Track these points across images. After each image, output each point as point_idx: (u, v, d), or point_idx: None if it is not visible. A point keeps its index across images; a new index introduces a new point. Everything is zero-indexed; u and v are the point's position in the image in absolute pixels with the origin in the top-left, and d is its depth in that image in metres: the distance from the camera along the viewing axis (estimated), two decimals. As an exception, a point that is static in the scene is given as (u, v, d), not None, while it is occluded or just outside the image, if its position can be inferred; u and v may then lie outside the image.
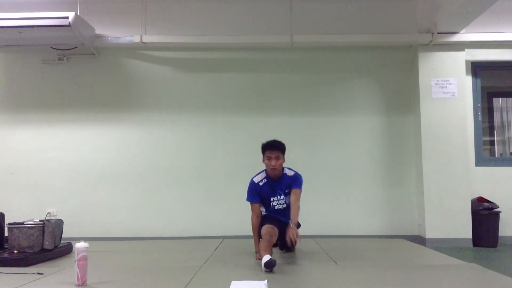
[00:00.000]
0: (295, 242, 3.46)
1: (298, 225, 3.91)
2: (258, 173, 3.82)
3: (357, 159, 5.18)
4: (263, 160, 3.72)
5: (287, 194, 3.76)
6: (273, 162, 3.62)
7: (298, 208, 3.69)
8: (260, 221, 3.71)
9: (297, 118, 5.21)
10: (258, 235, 3.67)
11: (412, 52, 5.19)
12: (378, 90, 5.25)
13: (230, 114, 5.23)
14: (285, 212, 3.79)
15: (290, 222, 3.51)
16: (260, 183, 3.74)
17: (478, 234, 4.82)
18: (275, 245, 3.69)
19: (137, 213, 5.12)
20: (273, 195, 3.75)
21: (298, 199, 3.68)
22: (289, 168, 3.83)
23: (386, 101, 5.24)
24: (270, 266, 3.06)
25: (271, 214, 3.79)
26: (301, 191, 3.72)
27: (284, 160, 3.72)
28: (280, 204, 3.77)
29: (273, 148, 3.65)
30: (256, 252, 3.65)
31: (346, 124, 5.21)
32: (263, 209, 3.82)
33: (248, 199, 3.76)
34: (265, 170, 3.79)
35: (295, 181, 3.75)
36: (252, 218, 3.72)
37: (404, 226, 5.10)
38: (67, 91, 5.27)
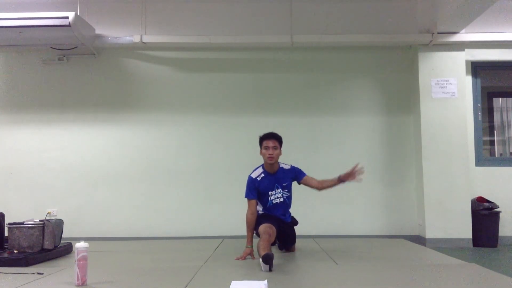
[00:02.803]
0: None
1: (296, 223, 3.94)
2: (255, 169, 3.84)
3: (357, 159, 5.10)
4: (260, 152, 3.77)
5: (285, 188, 3.82)
6: (270, 151, 3.68)
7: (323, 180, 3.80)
8: (258, 220, 3.72)
9: (297, 118, 5.21)
10: (251, 231, 3.71)
11: (412, 52, 5.19)
12: (378, 90, 5.25)
13: (230, 114, 5.23)
14: (283, 206, 3.84)
15: (339, 177, 3.69)
16: (258, 178, 3.77)
17: (478, 234, 4.82)
18: (273, 244, 3.70)
19: (137, 213, 5.12)
20: (271, 189, 3.78)
21: (315, 179, 3.83)
22: (284, 163, 3.88)
23: (386, 101, 5.24)
24: (268, 260, 3.05)
25: (269, 210, 3.81)
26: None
27: (281, 153, 3.77)
28: (278, 198, 3.81)
29: (271, 137, 3.73)
30: (247, 247, 3.66)
31: (346, 124, 5.21)
32: (260, 208, 3.84)
33: (246, 196, 3.77)
34: (262, 165, 3.83)
35: (297, 172, 3.85)
36: (247, 214, 3.73)
37: (404, 226, 5.10)
38: (67, 91, 5.27)
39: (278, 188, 3.80)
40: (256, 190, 3.76)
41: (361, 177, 3.63)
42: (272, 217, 3.77)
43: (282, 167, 3.85)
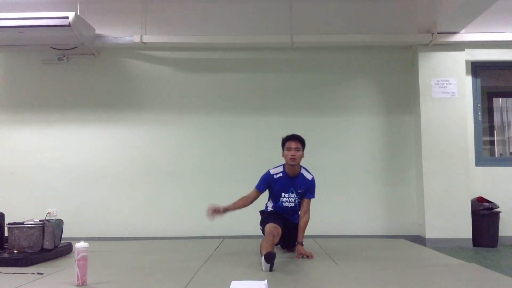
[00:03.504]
0: (308, 256, 3.62)
1: None
2: (276, 166, 3.84)
3: (357, 159, 5.18)
4: (282, 154, 3.76)
5: (299, 194, 3.79)
6: (292, 152, 3.66)
7: (307, 220, 3.75)
8: (266, 218, 3.74)
9: (297, 118, 5.21)
10: (235, 206, 3.70)
11: (412, 52, 5.19)
12: (378, 90, 5.25)
13: (230, 114, 5.23)
14: (292, 210, 3.84)
15: (297, 241, 3.69)
16: (275, 176, 3.77)
17: (478, 234, 4.82)
18: (276, 244, 3.70)
19: (137, 213, 5.12)
20: (285, 191, 3.77)
21: (308, 210, 3.77)
22: (306, 170, 3.86)
23: (386, 101, 5.24)
24: (270, 259, 3.06)
25: (277, 210, 3.82)
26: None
27: (303, 155, 3.75)
28: (289, 202, 3.79)
29: (294, 139, 3.72)
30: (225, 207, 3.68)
31: (346, 124, 5.21)
32: (270, 204, 3.85)
33: (256, 186, 3.78)
34: (283, 165, 3.81)
35: (310, 189, 3.80)
36: (245, 197, 3.74)
37: (404, 226, 5.10)
38: (67, 91, 5.27)
39: (292, 193, 3.78)
40: (267, 186, 3.77)
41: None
42: (280, 215, 3.78)
43: (303, 174, 3.80)
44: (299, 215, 3.91)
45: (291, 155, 3.66)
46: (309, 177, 3.81)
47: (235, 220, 4.89)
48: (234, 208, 3.72)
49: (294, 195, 3.78)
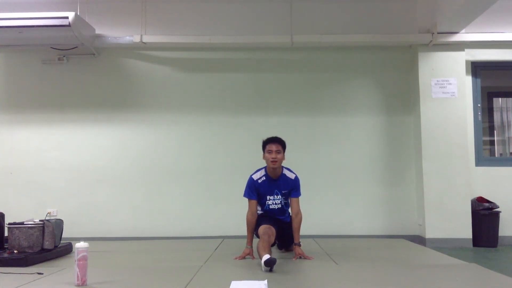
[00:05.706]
0: (306, 257, 3.61)
1: None
2: (257, 170, 3.83)
3: (357, 159, 5.18)
4: (263, 156, 3.74)
5: (284, 195, 3.79)
6: (273, 155, 3.64)
7: (300, 220, 3.72)
8: (258, 221, 3.72)
9: (297, 118, 5.21)
10: (251, 232, 3.70)
11: (412, 52, 5.19)
12: (378, 90, 5.25)
13: (230, 114, 5.23)
14: (280, 211, 3.84)
15: (294, 242, 3.68)
16: (259, 180, 3.76)
17: (478, 234, 4.82)
18: (273, 245, 3.70)
19: (137, 213, 5.12)
20: (270, 194, 3.77)
21: (299, 209, 3.74)
22: (288, 169, 3.84)
23: (386, 101, 5.24)
24: (270, 264, 3.06)
25: (266, 213, 3.82)
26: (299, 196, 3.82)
27: (284, 157, 3.73)
28: (275, 204, 3.79)
29: (274, 141, 3.70)
30: (246, 247, 3.69)
31: (346, 124, 5.21)
32: (258, 208, 3.84)
33: (245, 195, 3.77)
34: (264, 168, 3.81)
35: (295, 187, 3.78)
36: (247, 215, 3.73)
37: (404, 226, 5.10)
38: (67, 91, 5.27)
39: (277, 194, 3.78)
40: (256, 191, 3.75)
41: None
42: (271, 217, 3.78)
43: (285, 174, 3.79)
44: (289, 213, 3.92)
45: (272, 158, 3.64)
46: (292, 176, 3.80)
47: (235, 220, 4.91)
48: (252, 238, 3.71)
49: (279, 196, 3.78)
